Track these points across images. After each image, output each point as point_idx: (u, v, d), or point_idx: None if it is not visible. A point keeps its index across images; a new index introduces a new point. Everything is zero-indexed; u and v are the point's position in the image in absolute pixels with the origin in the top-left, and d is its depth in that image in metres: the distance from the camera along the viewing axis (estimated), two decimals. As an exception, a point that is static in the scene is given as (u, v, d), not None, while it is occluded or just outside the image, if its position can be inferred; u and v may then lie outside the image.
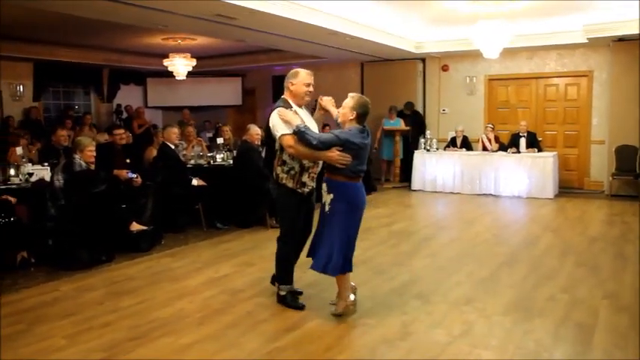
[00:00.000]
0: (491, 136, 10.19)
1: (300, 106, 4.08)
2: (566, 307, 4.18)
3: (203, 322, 3.93)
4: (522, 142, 9.92)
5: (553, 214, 8.32)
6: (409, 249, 6.07)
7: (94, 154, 5.85)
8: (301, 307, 4.18)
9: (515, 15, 8.25)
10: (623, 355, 3.37)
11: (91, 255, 5.39)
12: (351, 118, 3.87)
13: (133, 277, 5.07)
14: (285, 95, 4.10)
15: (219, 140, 9.09)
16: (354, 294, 4.18)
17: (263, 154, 8.16)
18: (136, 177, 6.60)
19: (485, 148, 10.20)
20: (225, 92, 14.65)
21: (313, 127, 4.03)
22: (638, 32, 8.68)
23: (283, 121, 3.87)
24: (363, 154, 3.90)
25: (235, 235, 6.89)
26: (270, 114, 4.01)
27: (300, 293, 4.36)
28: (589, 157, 10.64)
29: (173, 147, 7.14)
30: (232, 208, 7.31)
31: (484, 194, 9.93)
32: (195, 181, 7.08)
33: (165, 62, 11.09)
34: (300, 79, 4.05)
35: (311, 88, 4.10)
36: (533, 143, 9.92)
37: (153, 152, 7.62)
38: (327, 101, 4.16)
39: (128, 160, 6.98)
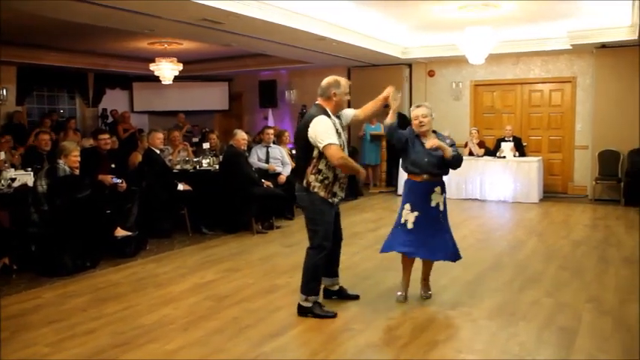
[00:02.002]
0: (475, 140, 10.26)
1: (335, 114, 4.08)
2: (550, 311, 4.21)
3: (188, 328, 3.91)
4: (508, 146, 10.00)
5: (538, 218, 8.39)
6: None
7: (79, 159, 5.81)
8: (334, 315, 4.07)
9: (500, 21, 8.33)
10: (606, 358, 3.40)
11: (74, 261, 5.33)
12: None
13: (117, 283, 5.03)
14: (322, 103, 4.05)
15: (206, 145, 9.05)
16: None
17: (256, 158, 8.16)
18: (121, 182, 6.56)
19: (471, 153, 10.27)
20: (212, 97, 14.62)
21: (343, 135, 4.09)
22: (620, 39, 8.85)
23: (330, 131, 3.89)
24: (402, 154, 4.34)
25: (221, 240, 6.86)
26: (307, 120, 3.98)
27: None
28: (573, 162, 10.76)
29: (158, 152, 7.11)
30: (218, 214, 7.28)
31: (470, 199, 9.98)
32: (180, 186, 7.05)
33: (152, 67, 11.00)
34: (343, 88, 4.08)
35: (349, 96, 4.18)
36: (519, 148, 10.02)
37: (138, 157, 7.57)
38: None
39: (113, 165, 6.93)
